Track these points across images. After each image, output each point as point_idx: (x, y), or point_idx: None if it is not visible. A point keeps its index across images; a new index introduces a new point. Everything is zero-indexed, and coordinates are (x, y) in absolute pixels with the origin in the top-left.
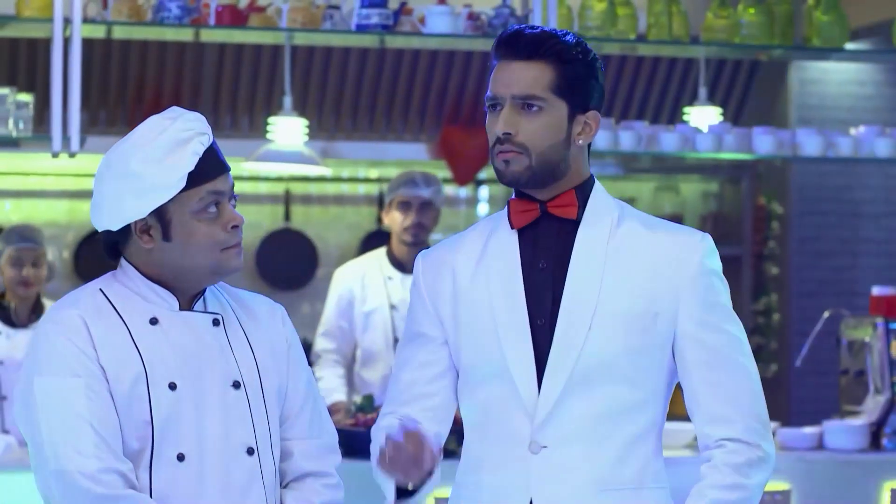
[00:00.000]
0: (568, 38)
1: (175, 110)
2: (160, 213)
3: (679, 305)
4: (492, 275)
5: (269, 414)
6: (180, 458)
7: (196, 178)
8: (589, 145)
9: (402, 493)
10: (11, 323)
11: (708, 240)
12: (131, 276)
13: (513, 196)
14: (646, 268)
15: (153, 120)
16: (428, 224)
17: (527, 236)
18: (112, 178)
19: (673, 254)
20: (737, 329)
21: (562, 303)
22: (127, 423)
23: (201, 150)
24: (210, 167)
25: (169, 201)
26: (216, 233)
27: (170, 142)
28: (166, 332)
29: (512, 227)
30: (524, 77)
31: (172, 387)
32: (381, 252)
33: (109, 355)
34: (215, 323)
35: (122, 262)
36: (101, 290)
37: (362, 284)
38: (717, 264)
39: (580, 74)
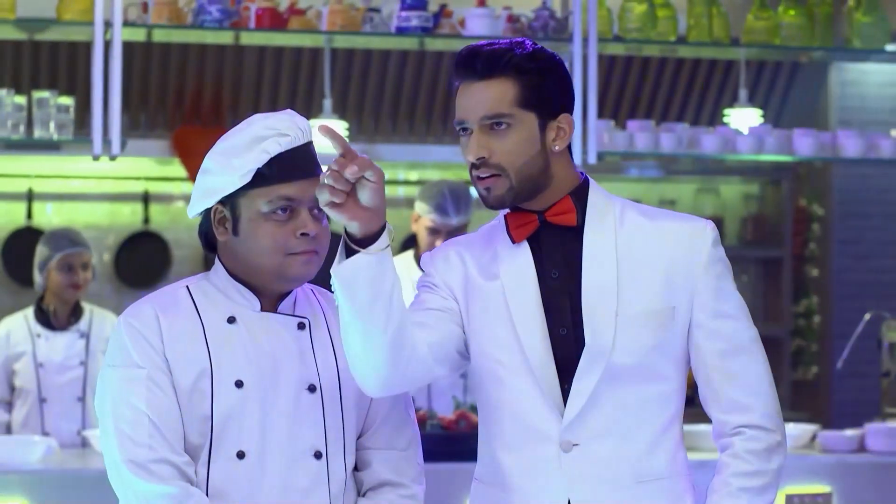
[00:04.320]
0: (524, 48)
1: (287, 112)
2: (233, 207)
3: (693, 295)
4: (508, 288)
5: (346, 420)
6: (240, 455)
7: (267, 178)
8: (569, 146)
9: (350, 250)
10: (51, 326)
11: (713, 227)
12: (220, 274)
13: (506, 210)
14: (658, 262)
15: (253, 116)
16: None
17: (531, 247)
18: (201, 169)
19: (683, 243)
20: (747, 315)
21: (583, 311)
22: (189, 418)
23: (276, 150)
24: (287, 170)
25: (239, 197)
26: (281, 236)
27: (247, 139)
28: (243, 331)
29: (513, 242)
30: (486, 97)
31: (239, 384)
32: (408, 255)
33: (176, 349)
34: (300, 326)
35: (216, 260)
36: (186, 286)
37: None
38: (723, 251)
39: (542, 82)
